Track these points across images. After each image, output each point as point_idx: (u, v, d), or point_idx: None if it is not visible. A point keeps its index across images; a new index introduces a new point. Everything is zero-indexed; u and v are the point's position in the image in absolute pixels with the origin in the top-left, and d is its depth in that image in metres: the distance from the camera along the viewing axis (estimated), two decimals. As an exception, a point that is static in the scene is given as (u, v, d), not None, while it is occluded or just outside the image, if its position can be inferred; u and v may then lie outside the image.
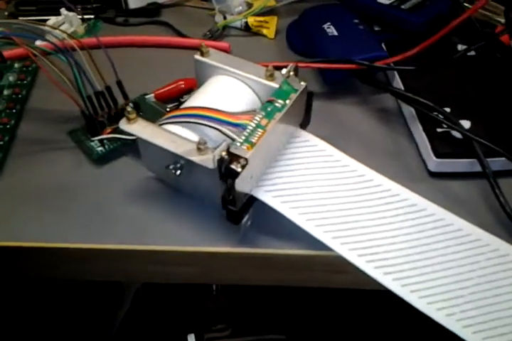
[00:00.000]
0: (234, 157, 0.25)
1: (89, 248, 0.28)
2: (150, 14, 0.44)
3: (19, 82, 0.37)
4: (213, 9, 0.45)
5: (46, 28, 0.30)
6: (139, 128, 0.27)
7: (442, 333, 0.25)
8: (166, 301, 0.57)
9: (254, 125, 0.26)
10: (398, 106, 0.37)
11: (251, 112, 0.27)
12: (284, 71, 0.29)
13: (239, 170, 0.25)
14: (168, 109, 0.34)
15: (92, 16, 0.43)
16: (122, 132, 0.32)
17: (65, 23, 0.41)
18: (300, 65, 0.35)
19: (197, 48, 0.31)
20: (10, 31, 0.28)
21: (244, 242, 0.28)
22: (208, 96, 0.30)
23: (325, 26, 0.39)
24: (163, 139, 0.27)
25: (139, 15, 0.44)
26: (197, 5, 0.46)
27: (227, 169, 0.25)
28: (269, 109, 0.27)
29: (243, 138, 0.26)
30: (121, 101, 0.34)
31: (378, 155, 0.34)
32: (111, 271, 0.32)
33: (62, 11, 0.40)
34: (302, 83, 0.29)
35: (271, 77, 0.30)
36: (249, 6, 0.44)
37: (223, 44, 0.41)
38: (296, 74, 0.29)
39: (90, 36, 0.41)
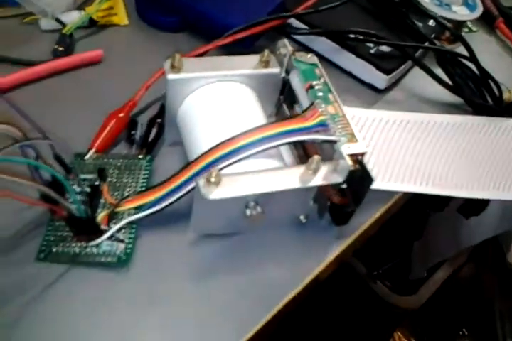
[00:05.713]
0: (354, 157, 0.22)
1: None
2: None
3: None
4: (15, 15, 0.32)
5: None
6: (231, 188, 0.20)
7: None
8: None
9: (329, 117, 0.23)
10: (298, 44, 0.36)
11: (307, 109, 0.23)
12: (282, 50, 0.25)
13: (371, 170, 0.22)
14: (141, 156, 0.25)
15: None
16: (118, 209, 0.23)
17: None
18: (223, 42, 0.30)
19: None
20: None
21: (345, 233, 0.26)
22: (226, 115, 0.24)
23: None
24: (266, 182, 0.21)
25: None
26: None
27: (363, 174, 0.21)
28: (320, 95, 0.24)
29: (338, 133, 0.22)
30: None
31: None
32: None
33: None
34: (309, 55, 0.25)
35: (267, 63, 0.25)
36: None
37: (95, 52, 0.31)
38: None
39: None
